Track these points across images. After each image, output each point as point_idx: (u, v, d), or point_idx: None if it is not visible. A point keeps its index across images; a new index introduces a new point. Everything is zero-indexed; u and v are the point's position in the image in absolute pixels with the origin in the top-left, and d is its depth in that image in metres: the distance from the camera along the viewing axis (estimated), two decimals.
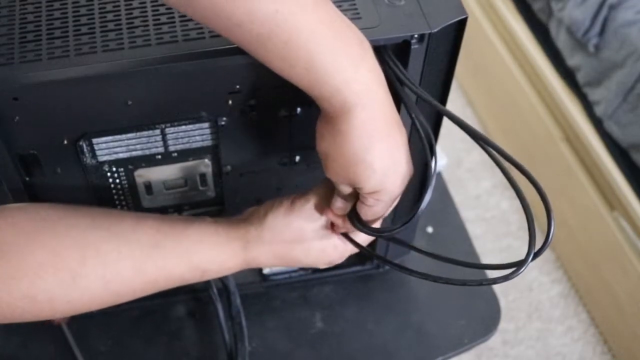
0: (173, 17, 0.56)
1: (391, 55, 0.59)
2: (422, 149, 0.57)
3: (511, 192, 1.79)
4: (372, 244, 0.85)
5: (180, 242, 0.60)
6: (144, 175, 0.67)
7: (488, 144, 0.55)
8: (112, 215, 0.59)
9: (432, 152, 0.57)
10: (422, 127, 0.57)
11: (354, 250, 0.65)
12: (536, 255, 0.53)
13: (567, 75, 1.58)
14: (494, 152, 0.55)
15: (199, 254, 0.60)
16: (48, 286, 0.54)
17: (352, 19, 0.57)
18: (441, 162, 0.97)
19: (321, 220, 0.62)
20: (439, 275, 0.59)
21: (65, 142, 0.61)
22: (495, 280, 0.56)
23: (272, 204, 0.62)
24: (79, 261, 0.55)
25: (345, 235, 0.64)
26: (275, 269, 0.85)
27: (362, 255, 0.88)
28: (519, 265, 0.54)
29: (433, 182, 0.57)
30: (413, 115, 0.57)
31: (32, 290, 0.53)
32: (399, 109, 0.65)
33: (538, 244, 0.54)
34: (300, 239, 0.62)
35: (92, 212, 0.59)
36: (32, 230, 0.55)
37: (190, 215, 0.71)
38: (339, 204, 0.60)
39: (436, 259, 0.60)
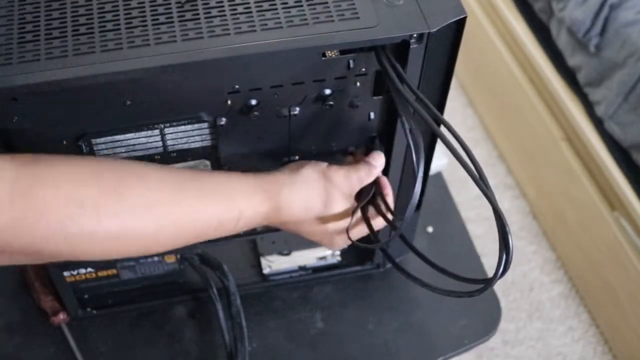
0: (172, 17, 0.56)
1: (390, 57, 0.59)
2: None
3: (512, 192, 1.79)
4: (372, 251, 0.85)
5: (218, 182, 0.62)
6: None
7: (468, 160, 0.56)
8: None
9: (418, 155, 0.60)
10: (413, 137, 0.59)
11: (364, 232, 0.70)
12: (501, 275, 0.59)
13: (568, 75, 1.58)
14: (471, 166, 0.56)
15: (235, 194, 0.62)
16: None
17: (350, 19, 0.57)
18: (442, 162, 0.97)
19: (350, 190, 0.67)
20: (425, 281, 0.68)
21: (65, 142, 0.61)
22: (461, 294, 0.63)
23: (307, 162, 0.67)
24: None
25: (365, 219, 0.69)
26: (275, 269, 0.85)
27: (362, 256, 0.88)
28: (486, 282, 0.60)
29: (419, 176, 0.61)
30: (406, 127, 0.60)
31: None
32: (395, 111, 0.65)
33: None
34: (329, 196, 0.66)
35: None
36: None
37: None
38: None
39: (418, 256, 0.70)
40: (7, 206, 0.49)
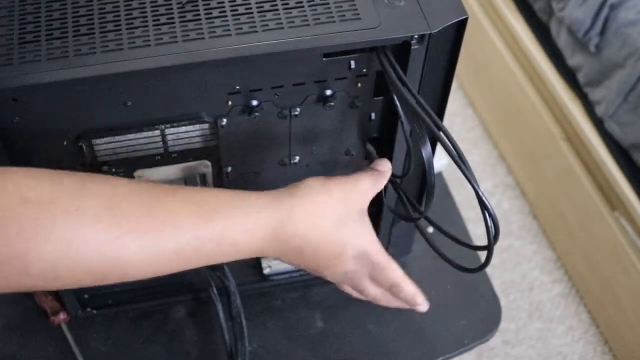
0: (173, 18, 0.56)
1: (390, 58, 0.58)
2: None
3: (512, 192, 1.80)
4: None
5: (207, 197, 0.57)
6: (143, 175, 0.67)
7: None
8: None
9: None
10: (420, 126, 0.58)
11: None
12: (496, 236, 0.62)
13: (568, 75, 1.58)
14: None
15: (224, 208, 0.56)
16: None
17: (352, 20, 0.57)
18: (442, 162, 0.97)
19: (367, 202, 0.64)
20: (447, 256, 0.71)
21: (65, 142, 0.61)
22: (467, 270, 0.67)
23: (306, 179, 0.61)
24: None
25: None
26: (275, 269, 0.85)
27: None
28: (487, 249, 0.62)
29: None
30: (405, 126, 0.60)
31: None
32: (396, 112, 0.65)
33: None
34: (345, 211, 0.61)
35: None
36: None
37: None
38: None
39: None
40: None
